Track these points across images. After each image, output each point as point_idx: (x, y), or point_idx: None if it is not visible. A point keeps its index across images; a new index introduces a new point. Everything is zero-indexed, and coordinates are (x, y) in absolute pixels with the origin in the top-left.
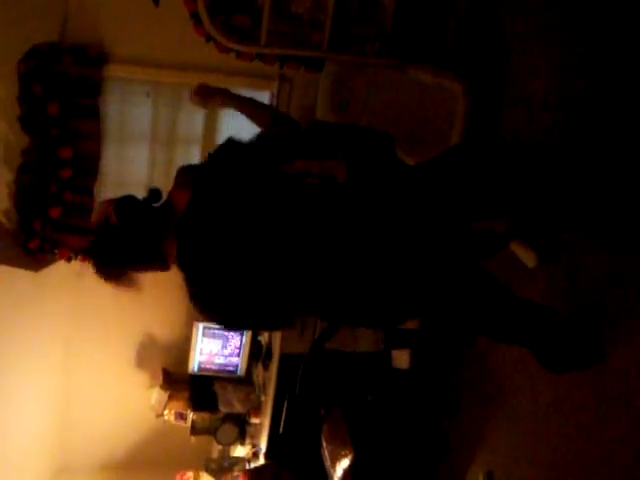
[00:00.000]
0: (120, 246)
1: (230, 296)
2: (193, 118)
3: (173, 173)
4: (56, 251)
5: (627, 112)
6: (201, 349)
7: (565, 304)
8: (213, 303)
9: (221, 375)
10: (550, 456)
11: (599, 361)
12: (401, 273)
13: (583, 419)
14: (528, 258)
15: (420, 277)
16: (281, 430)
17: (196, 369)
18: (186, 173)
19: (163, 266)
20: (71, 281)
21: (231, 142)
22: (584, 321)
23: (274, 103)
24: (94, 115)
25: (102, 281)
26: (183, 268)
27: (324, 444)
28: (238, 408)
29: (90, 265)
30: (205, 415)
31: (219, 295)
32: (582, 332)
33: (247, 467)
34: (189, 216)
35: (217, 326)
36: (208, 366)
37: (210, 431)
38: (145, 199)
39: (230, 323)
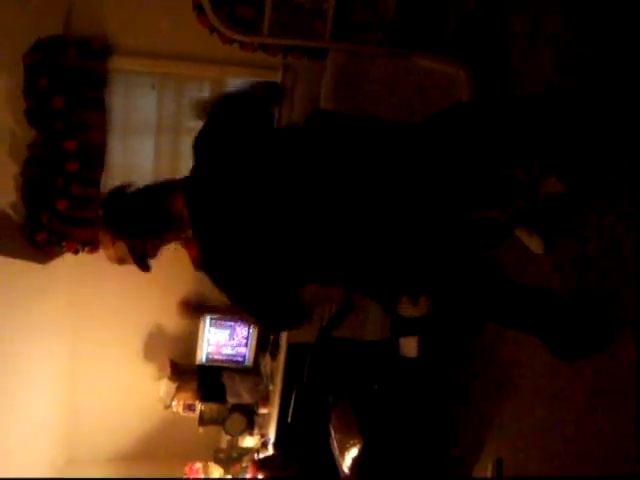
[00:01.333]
0: (129, 212)
1: (242, 260)
2: None
3: (179, 164)
4: (63, 243)
5: (625, 99)
6: (209, 340)
7: (572, 291)
8: (226, 268)
9: (229, 365)
10: (559, 442)
11: (606, 347)
12: (404, 254)
13: (591, 405)
14: (535, 245)
15: (424, 262)
16: (289, 420)
17: (204, 360)
18: None
19: (178, 228)
20: (78, 273)
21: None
22: (590, 307)
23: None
24: (99, 107)
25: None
26: (195, 227)
27: (332, 433)
28: (246, 398)
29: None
30: (213, 406)
31: (232, 258)
32: (588, 318)
33: (256, 457)
34: (198, 174)
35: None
36: (216, 357)
37: (218, 422)
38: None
39: (242, 294)
